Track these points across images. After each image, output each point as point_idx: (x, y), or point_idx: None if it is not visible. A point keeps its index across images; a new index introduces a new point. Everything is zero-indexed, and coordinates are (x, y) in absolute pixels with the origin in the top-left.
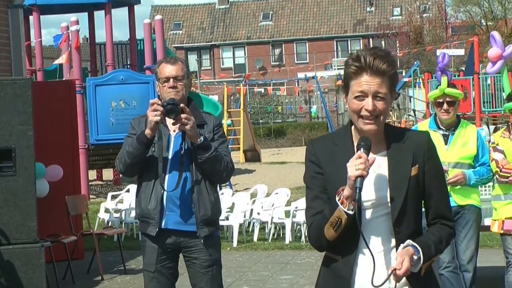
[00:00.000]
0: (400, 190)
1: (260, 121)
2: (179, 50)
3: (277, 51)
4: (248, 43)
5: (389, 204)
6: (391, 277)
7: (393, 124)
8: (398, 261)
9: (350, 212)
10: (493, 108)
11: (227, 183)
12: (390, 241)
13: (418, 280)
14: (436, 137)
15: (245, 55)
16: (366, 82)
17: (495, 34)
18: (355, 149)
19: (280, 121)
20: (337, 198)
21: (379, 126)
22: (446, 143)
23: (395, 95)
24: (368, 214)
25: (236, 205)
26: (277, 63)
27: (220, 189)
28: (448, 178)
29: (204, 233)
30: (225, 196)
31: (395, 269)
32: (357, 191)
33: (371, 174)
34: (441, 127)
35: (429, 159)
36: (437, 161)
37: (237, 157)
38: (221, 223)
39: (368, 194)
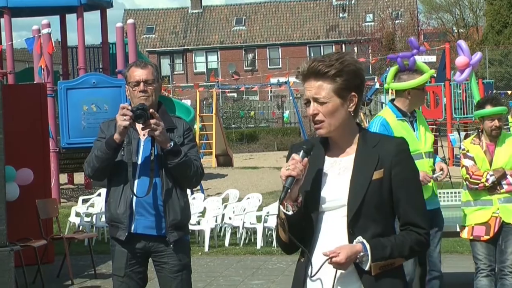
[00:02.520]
0: (358, 193)
1: (233, 125)
2: (151, 54)
3: (250, 56)
4: (221, 48)
5: (346, 207)
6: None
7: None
8: (333, 250)
9: (289, 213)
10: (464, 114)
11: (199, 187)
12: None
13: (369, 278)
14: (406, 127)
15: (218, 59)
16: (306, 88)
17: (462, 42)
18: (324, 155)
19: (253, 126)
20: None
21: (330, 130)
22: (414, 130)
23: (351, 97)
24: (326, 216)
25: (208, 209)
26: (250, 68)
27: (192, 193)
28: (437, 176)
29: (174, 237)
30: (197, 200)
31: (330, 258)
32: (285, 190)
33: (334, 177)
34: (407, 115)
35: (397, 164)
36: (408, 167)
37: (209, 162)
38: (192, 227)
39: (328, 196)
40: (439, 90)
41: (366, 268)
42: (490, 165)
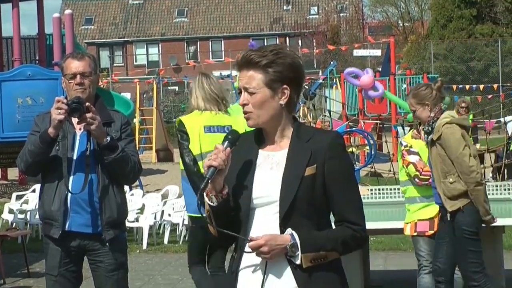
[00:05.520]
0: (290, 190)
1: (174, 119)
2: (90, 46)
3: (192, 48)
4: (162, 40)
5: (278, 203)
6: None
7: (309, 125)
8: (259, 236)
9: (213, 204)
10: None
11: (138, 183)
12: None
13: (302, 274)
14: None
15: (159, 52)
16: (240, 78)
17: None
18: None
19: None
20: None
21: (257, 122)
22: None
23: (283, 89)
24: (258, 212)
25: (147, 206)
26: (192, 60)
27: (131, 189)
28: None
29: (110, 235)
30: (136, 197)
31: (250, 239)
32: (206, 180)
33: (267, 172)
34: None
35: (330, 159)
36: (342, 162)
37: (149, 157)
38: (131, 224)
39: (260, 191)
40: (384, 84)
41: (298, 262)
42: None
